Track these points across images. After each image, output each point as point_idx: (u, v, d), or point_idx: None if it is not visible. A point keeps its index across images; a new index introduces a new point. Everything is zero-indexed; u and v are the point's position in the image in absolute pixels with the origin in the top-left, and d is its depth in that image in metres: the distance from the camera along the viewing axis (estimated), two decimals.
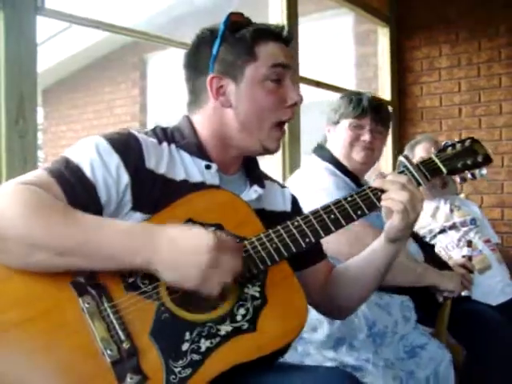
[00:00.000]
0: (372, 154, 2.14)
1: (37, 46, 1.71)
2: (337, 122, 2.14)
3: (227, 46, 1.24)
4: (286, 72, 1.27)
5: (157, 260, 1.02)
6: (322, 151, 2.17)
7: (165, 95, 6.36)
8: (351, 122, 2.10)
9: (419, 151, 2.75)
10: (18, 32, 1.64)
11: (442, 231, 2.69)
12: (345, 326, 1.81)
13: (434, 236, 2.68)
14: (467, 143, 1.37)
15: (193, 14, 5.12)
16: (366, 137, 2.09)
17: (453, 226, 2.70)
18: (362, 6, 3.60)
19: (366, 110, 2.09)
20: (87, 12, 2.01)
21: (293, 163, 2.84)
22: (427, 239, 2.64)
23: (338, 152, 2.13)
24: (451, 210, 2.76)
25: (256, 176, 1.35)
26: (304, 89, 2.96)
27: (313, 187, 1.98)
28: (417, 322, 2.14)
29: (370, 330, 1.87)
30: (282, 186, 1.44)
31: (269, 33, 1.27)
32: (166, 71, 6.24)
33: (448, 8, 3.82)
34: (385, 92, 3.94)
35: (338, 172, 2.09)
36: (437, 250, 2.60)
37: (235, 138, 1.27)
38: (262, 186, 1.33)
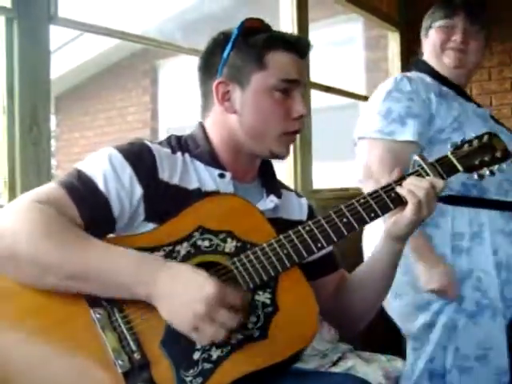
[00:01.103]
0: (465, 56, 1.95)
1: (50, 54, 1.72)
2: (429, 28, 2.03)
3: (238, 52, 1.23)
4: (295, 86, 1.24)
5: (156, 295, 1.01)
6: (417, 64, 2.07)
7: (176, 102, 6.39)
8: (441, 23, 1.97)
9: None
10: (31, 41, 1.65)
11: None
12: None
13: None
14: (485, 139, 1.32)
15: (203, 20, 5.14)
16: (456, 37, 1.92)
17: None
18: (372, 12, 3.60)
19: (456, 7, 1.94)
20: (98, 20, 2.02)
21: (304, 169, 2.84)
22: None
23: (431, 62, 2.01)
24: None
25: (273, 185, 1.33)
26: (315, 94, 2.96)
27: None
28: None
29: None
30: (299, 196, 1.42)
31: (282, 42, 1.24)
32: (177, 78, 6.27)
33: None
34: None
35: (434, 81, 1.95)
36: None
37: (243, 144, 1.26)
38: (279, 195, 1.31)
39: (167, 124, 6.65)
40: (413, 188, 1.18)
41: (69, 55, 6.29)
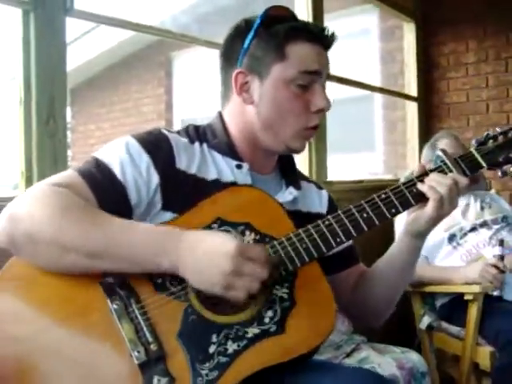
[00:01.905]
0: None
1: (66, 46, 1.73)
2: None
3: (259, 41, 1.20)
4: (316, 78, 1.21)
5: (181, 264, 1.02)
6: None
7: (190, 93, 6.39)
8: None
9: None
10: (48, 33, 1.66)
11: (473, 229, 2.61)
12: None
13: (465, 234, 2.60)
14: (510, 134, 1.27)
15: (217, 12, 5.13)
16: None
17: (484, 224, 2.62)
18: (387, 2, 3.57)
19: None
20: (114, 12, 2.03)
21: (319, 161, 2.83)
22: (457, 238, 2.59)
23: None
24: (482, 208, 2.70)
25: (292, 177, 1.32)
26: (330, 86, 2.95)
27: None
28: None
29: None
30: (320, 187, 1.40)
31: (305, 32, 1.20)
32: (192, 69, 6.27)
33: (474, 2, 3.77)
34: (411, 88, 3.91)
35: None
36: (468, 248, 2.57)
37: (259, 136, 1.24)
38: (298, 187, 1.29)
39: (181, 115, 6.66)
40: (434, 184, 1.16)
41: (84, 47, 6.30)
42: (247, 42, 1.20)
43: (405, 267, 1.27)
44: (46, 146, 1.66)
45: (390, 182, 3.27)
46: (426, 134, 3.81)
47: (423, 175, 1.20)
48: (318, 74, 1.21)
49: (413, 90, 3.90)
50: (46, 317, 1.02)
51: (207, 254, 1.00)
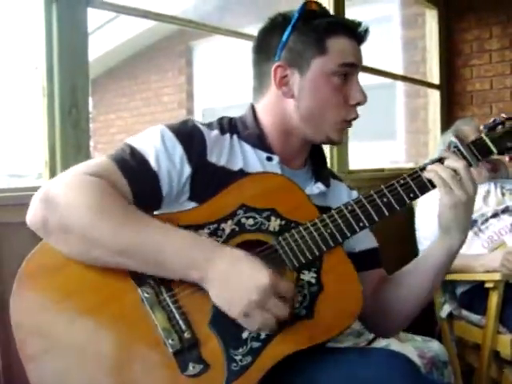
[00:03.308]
0: None
1: (88, 37, 1.74)
2: None
3: (298, 35, 1.21)
4: (353, 71, 1.24)
5: (209, 280, 1.01)
6: None
7: (211, 82, 6.40)
8: None
9: (470, 136, 2.68)
10: (70, 24, 1.67)
11: (495, 215, 2.59)
12: None
13: (486, 220, 2.58)
14: None
15: (238, 1, 5.12)
16: None
17: (506, 210, 2.60)
18: None
19: None
20: (134, 2, 2.04)
21: (341, 150, 2.82)
22: (479, 223, 2.58)
23: None
24: (503, 194, 2.69)
25: (322, 174, 1.32)
26: None
27: None
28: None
29: None
30: (350, 188, 1.41)
31: (343, 27, 1.23)
32: (212, 59, 6.27)
33: None
34: (433, 75, 3.87)
35: None
36: (489, 234, 2.55)
37: (298, 128, 1.25)
38: (327, 184, 1.30)
39: (202, 105, 6.67)
40: (436, 169, 1.17)
41: (105, 37, 6.33)
42: (286, 35, 1.21)
43: (435, 268, 1.23)
44: (69, 136, 1.68)
45: (411, 170, 3.25)
46: (448, 122, 3.77)
47: (438, 161, 1.21)
48: (354, 67, 1.23)
49: (435, 78, 3.86)
50: (75, 306, 1.03)
51: (239, 278, 0.99)
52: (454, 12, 3.89)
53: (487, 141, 1.24)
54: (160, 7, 2.22)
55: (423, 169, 1.20)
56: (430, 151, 3.85)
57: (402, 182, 1.18)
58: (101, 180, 1.05)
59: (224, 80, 6.01)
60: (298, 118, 1.24)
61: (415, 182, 1.19)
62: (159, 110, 6.89)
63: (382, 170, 3.33)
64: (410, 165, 3.95)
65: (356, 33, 1.24)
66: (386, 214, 1.16)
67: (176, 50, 6.71)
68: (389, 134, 4.79)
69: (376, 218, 1.16)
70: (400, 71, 4.19)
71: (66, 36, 1.66)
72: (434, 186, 1.19)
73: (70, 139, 1.68)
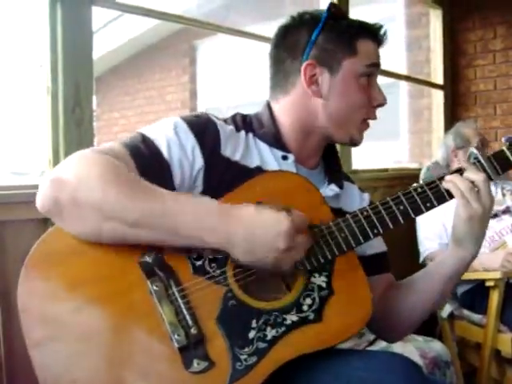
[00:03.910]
0: None
1: (92, 36, 1.75)
2: None
3: (328, 35, 1.22)
4: (375, 71, 1.27)
5: (233, 241, 1.01)
6: None
7: (214, 81, 6.40)
8: None
9: (471, 138, 2.68)
10: (74, 22, 1.68)
11: (495, 216, 2.60)
12: None
13: None
14: None
15: (241, 0, 5.12)
16: None
17: (506, 211, 2.62)
18: None
19: None
20: (138, 0, 2.04)
21: (344, 149, 2.81)
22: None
23: None
24: (503, 195, 2.69)
25: (336, 175, 1.32)
26: None
27: None
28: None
29: None
30: (362, 190, 1.41)
31: (370, 30, 1.26)
32: (216, 57, 6.27)
33: None
34: (437, 76, 3.86)
35: None
36: (490, 234, 2.55)
37: (322, 127, 1.25)
38: (341, 186, 1.30)
39: (206, 104, 6.67)
40: (455, 180, 1.16)
41: (108, 36, 6.34)
42: (315, 34, 1.22)
43: (445, 278, 1.23)
44: (73, 134, 1.69)
45: (415, 170, 3.25)
46: (452, 122, 3.76)
47: (457, 171, 1.20)
48: (377, 67, 1.27)
49: (439, 78, 3.85)
50: (83, 294, 1.02)
51: (260, 232, 1.01)
52: (458, 12, 3.88)
53: (508, 154, 1.22)
54: (164, 6, 2.22)
55: (441, 178, 1.19)
56: (434, 151, 3.85)
57: (419, 190, 1.18)
58: (109, 156, 1.05)
59: (228, 79, 6.01)
60: (324, 118, 1.24)
61: (433, 192, 1.18)
62: (162, 109, 6.89)
63: (386, 170, 3.33)
64: (414, 165, 3.95)
65: (379, 36, 1.28)
66: (402, 221, 1.16)
67: (180, 49, 6.71)
68: (392, 133, 4.78)
69: (391, 226, 1.15)
70: (404, 71, 4.18)
71: (70, 35, 1.67)
72: (451, 197, 1.18)
73: (74, 137, 1.69)
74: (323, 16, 1.22)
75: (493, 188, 2.68)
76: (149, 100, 7.12)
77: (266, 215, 1.03)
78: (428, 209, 1.17)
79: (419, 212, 1.17)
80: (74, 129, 1.69)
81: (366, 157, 4.06)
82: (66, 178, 1.01)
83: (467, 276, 2.45)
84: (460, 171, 1.19)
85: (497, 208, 2.62)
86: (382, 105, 1.27)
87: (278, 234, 1.01)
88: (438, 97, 3.86)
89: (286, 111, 1.27)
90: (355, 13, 3.09)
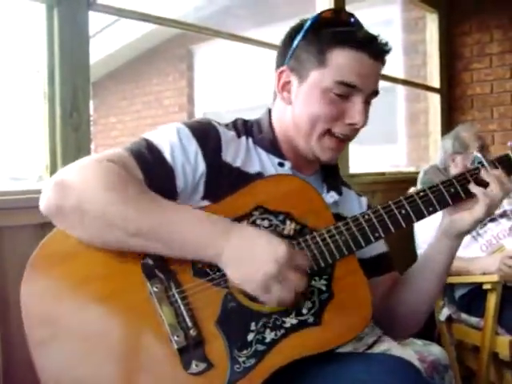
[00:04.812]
0: None
1: (89, 40, 1.75)
2: None
3: (305, 44, 1.20)
4: (354, 92, 1.17)
5: (225, 257, 1.01)
6: None
7: (212, 86, 6.40)
8: None
9: (470, 143, 2.69)
10: (71, 27, 1.68)
11: (493, 219, 2.61)
12: None
13: (485, 224, 2.59)
14: None
15: (239, 4, 5.13)
16: None
17: (504, 214, 2.62)
18: None
19: None
20: (135, 5, 2.04)
21: (341, 156, 2.80)
22: (477, 228, 2.58)
23: None
24: None
25: (334, 182, 1.32)
26: None
27: None
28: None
29: None
30: (359, 195, 1.40)
31: (351, 39, 1.15)
32: (213, 62, 6.27)
33: None
34: (434, 79, 3.87)
35: None
36: (488, 238, 2.56)
37: (293, 138, 1.25)
38: (340, 192, 1.30)
39: (203, 109, 6.68)
40: (493, 190, 1.17)
41: (106, 40, 6.34)
42: (296, 42, 1.21)
43: (441, 269, 1.25)
44: (70, 139, 1.68)
45: (412, 174, 3.25)
46: (449, 126, 3.77)
47: (461, 175, 1.21)
48: (355, 89, 1.17)
49: (435, 82, 3.86)
50: (85, 295, 1.03)
51: (254, 252, 1.00)
52: (454, 16, 3.89)
53: None
54: (161, 11, 2.22)
55: (444, 182, 1.19)
56: (431, 155, 3.85)
57: (421, 194, 1.18)
58: (115, 164, 1.05)
59: (225, 84, 6.02)
60: (292, 127, 1.24)
61: (435, 196, 1.18)
62: (160, 114, 6.89)
63: (383, 174, 3.33)
64: (411, 169, 3.95)
65: (367, 47, 1.16)
66: (404, 225, 1.16)
67: (177, 54, 6.71)
68: (389, 137, 4.79)
69: (392, 230, 1.15)
70: (401, 75, 4.19)
71: (67, 39, 1.67)
72: (454, 201, 1.18)
73: (71, 142, 1.69)
74: (306, 23, 1.20)
75: None
76: (146, 105, 7.12)
77: (265, 237, 1.02)
78: (430, 213, 1.17)
79: (421, 216, 1.17)
80: (72, 133, 1.69)
81: (363, 161, 4.06)
82: (71, 183, 1.02)
83: (465, 279, 2.46)
84: (464, 175, 1.20)
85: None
86: (355, 125, 1.19)
87: (271, 256, 0.98)
88: (435, 100, 3.87)
89: (275, 118, 1.28)
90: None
